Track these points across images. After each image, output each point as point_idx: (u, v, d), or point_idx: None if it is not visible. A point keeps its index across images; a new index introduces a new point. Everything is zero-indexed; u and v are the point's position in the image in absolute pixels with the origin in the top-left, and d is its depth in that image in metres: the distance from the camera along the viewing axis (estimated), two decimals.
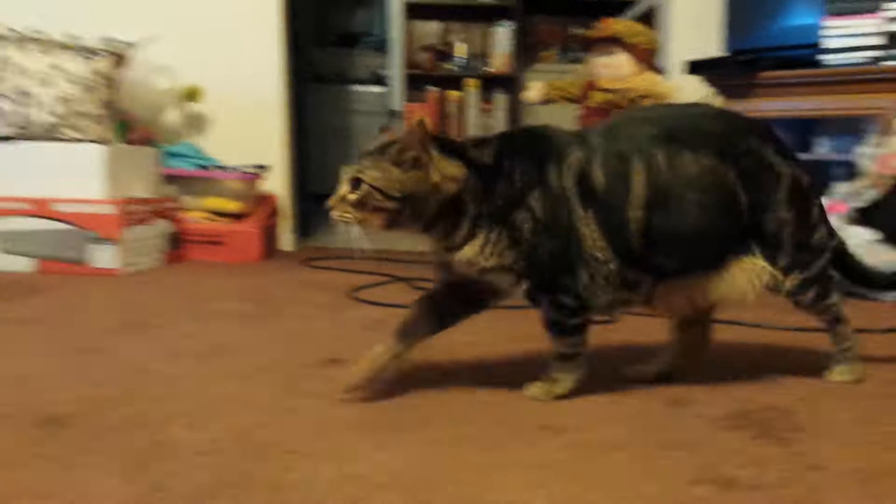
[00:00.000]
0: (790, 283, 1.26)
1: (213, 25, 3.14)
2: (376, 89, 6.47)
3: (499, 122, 5.12)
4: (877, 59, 2.45)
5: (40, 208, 2.44)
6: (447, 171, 1.14)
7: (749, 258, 1.24)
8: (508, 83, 5.13)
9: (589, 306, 1.20)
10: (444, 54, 5.21)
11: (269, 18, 3.24)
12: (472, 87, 5.08)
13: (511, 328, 1.65)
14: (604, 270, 1.18)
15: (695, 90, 2.93)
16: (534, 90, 3.00)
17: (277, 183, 3.29)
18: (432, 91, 5.03)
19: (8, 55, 2.43)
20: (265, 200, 3.13)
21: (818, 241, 1.28)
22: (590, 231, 1.17)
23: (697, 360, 1.36)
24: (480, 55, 5.24)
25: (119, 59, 2.51)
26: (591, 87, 2.91)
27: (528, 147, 1.21)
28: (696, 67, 2.86)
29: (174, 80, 2.97)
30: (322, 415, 1.15)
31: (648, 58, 2.87)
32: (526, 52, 5.27)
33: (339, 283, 2.34)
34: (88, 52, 2.44)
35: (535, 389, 1.23)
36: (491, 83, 5.13)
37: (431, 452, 1.01)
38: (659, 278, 1.22)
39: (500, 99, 5.12)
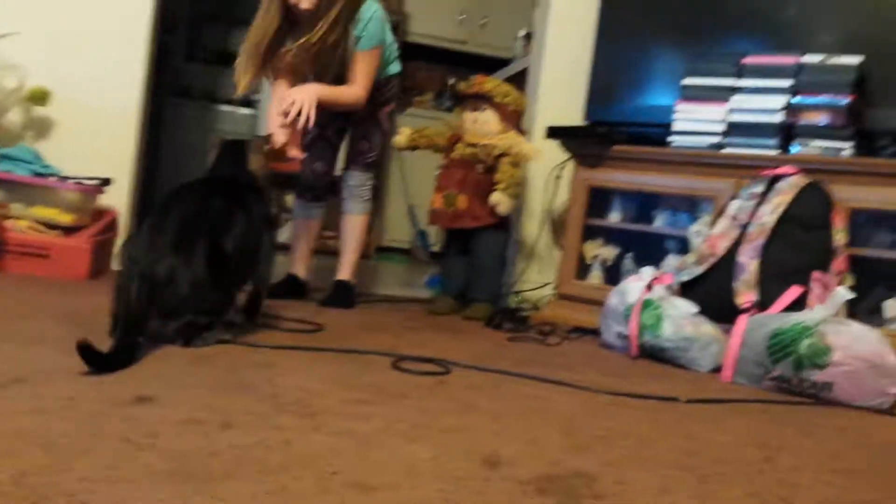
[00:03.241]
0: None
1: (77, 29, 2.97)
2: (245, 111, 6.34)
3: None
4: (719, 146, 2.64)
5: None
6: None
7: None
8: None
9: None
10: None
11: (138, 31, 3.10)
12: None
13: None
14: None
15: (554, 154, 3.04)
16: (402, 135, 3.03)
17: (121, 198, 3.10)
18: None
19: None
20: (103, 215, 2.94)
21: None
22: None
23: None
24: None
25: None
26: (456, 139, 2.97)
27: None
28: (555, 133, 2.95)
29: (23, 80, 2.77)
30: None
31: (515, 119, 2.97)
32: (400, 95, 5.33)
33: None
34: None
35: None
36: None
37: None
38: None
39: None
